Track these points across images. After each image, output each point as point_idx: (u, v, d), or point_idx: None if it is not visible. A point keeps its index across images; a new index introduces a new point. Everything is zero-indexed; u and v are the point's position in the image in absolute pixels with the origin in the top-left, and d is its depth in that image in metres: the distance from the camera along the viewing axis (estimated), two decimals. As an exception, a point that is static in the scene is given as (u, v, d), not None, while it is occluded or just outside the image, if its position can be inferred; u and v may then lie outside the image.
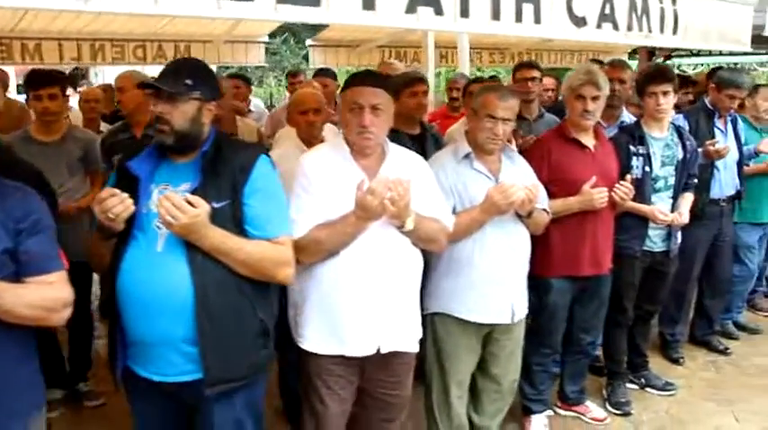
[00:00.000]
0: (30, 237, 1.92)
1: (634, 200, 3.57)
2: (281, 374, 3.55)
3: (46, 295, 1.93)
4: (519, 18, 2.55)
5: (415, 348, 2.64)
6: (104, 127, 4.69)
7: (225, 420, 2.24)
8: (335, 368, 2.51)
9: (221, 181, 2.18)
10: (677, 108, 4.94)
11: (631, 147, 3.61)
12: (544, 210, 3.09)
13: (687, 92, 5.58)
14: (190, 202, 2.01)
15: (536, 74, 4.40)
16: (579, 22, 2.76)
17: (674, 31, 3.22)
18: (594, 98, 3.25)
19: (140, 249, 2.14)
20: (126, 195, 2.06)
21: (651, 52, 11.72)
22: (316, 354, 2.51)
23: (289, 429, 3.53)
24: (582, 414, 3.75)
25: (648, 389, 4.06)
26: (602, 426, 3.70)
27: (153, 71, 6.13)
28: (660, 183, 3.65)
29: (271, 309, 2.34)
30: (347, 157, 2.51)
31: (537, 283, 3.45)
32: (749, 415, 3.79)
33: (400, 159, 2.62)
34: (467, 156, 2.95)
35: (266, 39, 7.61)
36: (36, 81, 3.71)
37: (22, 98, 5.39)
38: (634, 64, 12.58)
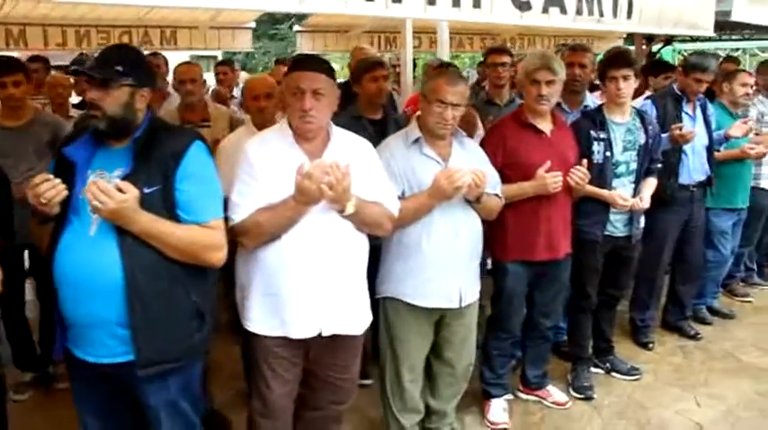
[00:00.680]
0: None
1: (595, 184, 3.59)
2: (245, 357, 3.59)
3: None
4: (456, 3, 2.54)
5: (359, 331, 2.66)
6: (74, 112, 4.72)
7: (159, 402, 2.29)
8: (279, 350, 2.55)
9: (153, 166, 2.21)
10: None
11: (592, 133, 3.60)
12: (496, 195, 3.10)
13: (668, 77, 5.55)
14: (120, 188, 2.05)
15: (506, 59, 4.38)
16: (523, 6, 2.76)
17: (629, 16, 3.20)
18: (549, 82, 3.24)
19: (75, 233, 2.18)
20: (58, 181, 2.10)
21: (649, 38, 11.64)
22: (260, 336, 2.55)
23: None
24: (543, 398, 3.78)
25: (614, 374, 4.07)
26: (563, 410, 3.72)
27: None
28: (622, 168, 3.64)
29: (207, 292, 2.38)
30: (291, 142, 2.54)
31: (493, 268, 3.50)
32: (710, 399, 3.81)
33: (345, 143, 2.64)
34: (416, 140, 2.96)
35: (253, 24, 7.60)
36: (-1, 69, 3.75)
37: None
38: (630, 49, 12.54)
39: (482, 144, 3.37)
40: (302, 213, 2.44)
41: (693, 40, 12.99)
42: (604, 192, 3.59)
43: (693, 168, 4.24)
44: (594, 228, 3.67)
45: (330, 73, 2.57)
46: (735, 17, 4.03)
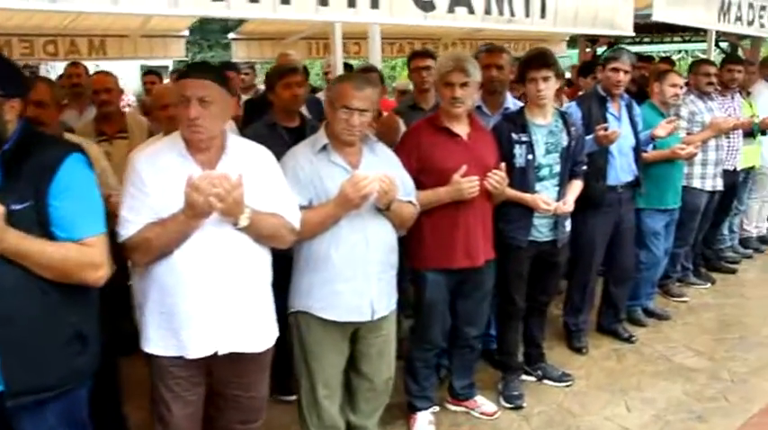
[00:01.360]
0: None
1: (518, 188, 3.51)
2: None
3: None
4: (352, 3, 2.43)
5: (260, 349, 2.53)
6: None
7: (37, 432, 2.13)
8: (177, 370, 2.45)
9: (23, 181, 2.04)
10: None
11: (513, 135, 3.53)
12: (410, 202, 3.00)
13: (595, 77, 5.54)
14: None
15: (430, 63, 4.28)
16: (426, 6, 2.65)
17: (543, 15, 3.12)
18: (463, 85, 3.16)
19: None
20: None
21: (593, 40, 11.74)
22: (157, 357, 2.44)
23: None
24: (471, 409, 3.68)
25: (545, 381, 3.99)
26: (492, 421, 3.62)
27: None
28: (544, 171, 3.57)
29: (90, 313, 2.22)
30: (182, 153, 2.43)
31: (412, 277, 3.40)
32: (641, 403, 3.75)
33: (242, 153, 2.53)
34: (324, 147, 2.84)
35: (186, 33, 7.41)
36: None
37: None
38: (575, 53, 12.65)
39: (397, 150, 3.28)
40: (193, 227, 2.32)
41: (640, 42, 13.18)
42: (527, 196, 3.51)
43: (621, 169, 4.20)
44: (518, 234, 3.59)
45: (220, 80, 2.45)
46: (655, 18, 4.00)
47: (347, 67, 6.44)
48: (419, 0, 2.64)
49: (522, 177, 3.53)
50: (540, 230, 3.62)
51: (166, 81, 6.35)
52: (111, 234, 2.28)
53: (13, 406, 2.03)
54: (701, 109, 4.92)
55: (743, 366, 4.16)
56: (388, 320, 3.01)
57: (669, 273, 5.27)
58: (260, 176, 2.48)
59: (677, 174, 4.67)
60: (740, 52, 9.22)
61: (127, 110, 4.88)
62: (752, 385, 3.92)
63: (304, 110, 3.98)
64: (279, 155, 2.73)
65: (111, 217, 2.33)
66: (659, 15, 3.99)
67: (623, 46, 13.77)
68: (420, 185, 3.17)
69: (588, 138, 4.01)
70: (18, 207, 1.99)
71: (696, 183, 4.95)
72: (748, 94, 5.98)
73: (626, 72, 4.10)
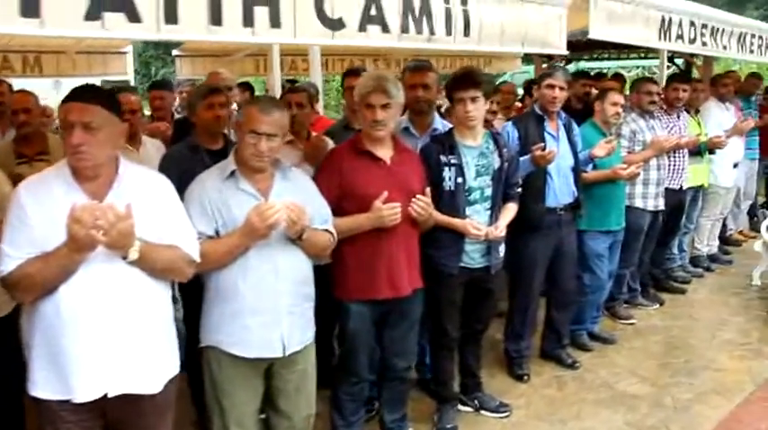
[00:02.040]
0: None
1: (447, 213, 3.38)
2: (193, 387, 3.46)
3: None
4: (249, 22, 2.27)
5: (156, 390, 2.34)
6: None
7: None
8: (66, 414, 2.25)
9: None
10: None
11: (442, 158, 3.39)
12: (326, 230, 2.84)
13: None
14: None
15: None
16: (334, 24, 2.50)
17: (466, 33, 2.99)
18: (384, 106, 3.01)
19: None
20: None
21: (549, 56, 11.75)
22: (45, 400, 2.24)
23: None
24: (402, 443, 3.51)
25: (482, 412, 3.83)
26: (424, 456, 3.46)
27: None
28: (475, 195, 3.43)
29: None
30: (69, 181, 2.24)
31: (335, 308, 3.22)
32: (579, 435, 3.61)
33: (136, 181, 2.35)
34: (232, 174, 2.67)
35: (129, 49, 7.19)
36: None
37: None
38: (530, 68, 12.64)
39: (317, 174, 3.12)
40: (77, 262, 2.14)
41: (594, 58, 13.23)
42: (456, 221, 3.37)
43: (560, 191, 4.07)
44: (449, 260, 3.44)
45: (108, 104, 2.27)
46: (592, 35, 3.91)
47: (292, 83, 6.29)
48: (326, 18, 2.48)
49: (452, 201, 3.39)
50: (472, 257, 3.48)
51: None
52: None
53: None
54: (643, 128, 4.84)
55: (687, 392, 4.04)
56: (304, 355, 2.82)
57: (615, 295, 5.15)
58: (155, 206, 2.32)
59: (620, 194, 4.57)
60: (694, 69, 9.28)
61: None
62: (694, 413, 3.80)
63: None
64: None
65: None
66: (596, 33, 3.89)
67: (581, 61, 13.93)
68: (341, 212, 3.02)
69: (525, 158, 3.89)
70: None
71: (638, 203, 4.86)
72: (697, 112, 5.93)
73: (561, 88, 3.99)
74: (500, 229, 3.43)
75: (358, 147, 3.11)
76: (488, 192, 3.47)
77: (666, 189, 5.23)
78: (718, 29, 5.08)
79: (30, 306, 2.25)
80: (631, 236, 4.83)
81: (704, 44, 4.94)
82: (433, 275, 3.45)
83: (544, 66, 11.37)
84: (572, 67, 13.65)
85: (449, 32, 2.93)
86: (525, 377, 4.24)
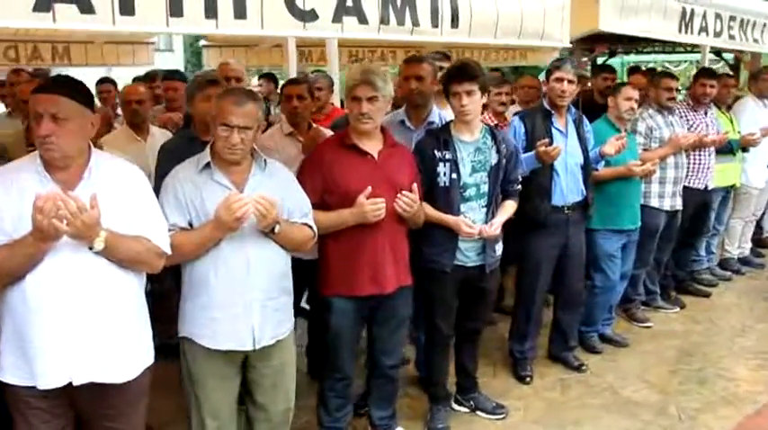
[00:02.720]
0: None
1: (442, 210, 3.30)
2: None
3: None
4: (212, 14, 2.23)
5: (123, 379, 2.34)
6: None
7: None
8: (34, 401, 2.29)
9: None
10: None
11: (437, 153, 3.31)
12: (305, 224, 2.80)
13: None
14: None
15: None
16: (306, 15, 2.45)
17: (454, 25, 2.90)
18: (371, 99, 2.95)
19: None
20: None
21: (591, 50, 11.44)
22: (13, 386, 2.28)
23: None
24: (390, 442, 3.45)
25: (478, 413, 3.75)
26: (412, 456, 3.40)
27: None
28: (471, 191, 3.34)
29: None
30: (40, 171, 2.26)
31: (319, 303, 3.19)
32: (574, 441, 3.50)
33: (109, 172, 2.36)
34: (207, 165, 2.65)
35: (155, 39, 7.28)
36: None
37: None
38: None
39: (301, 168, 3.08)
40: (43, 251, 2.16)
41: (639, 52, 12.83)
42: (449, 218, 3.29)
43: (567, 188, 3.94)
44: (442, 258, 3.36)
45: (78, 95, 2.28)
46: (602, 28, 3.75)
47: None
48: (296, 9, 2.42)
49: (446, 197, 3.32)
50: (467, 255, 3.39)
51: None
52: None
53: None
54: (660, 124, 4.65)
55: (694, 401, 3.87)
56: (280, 349, 2.80)
57: (631, 297, 4.99)
58: (125, 197, 2.33)
59: (634, 192, 4.40)
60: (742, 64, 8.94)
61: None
62: (699, 423, 3.64)
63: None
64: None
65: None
66: (606, 25, 3.75)
67: (630, 54, 13.51)
68: (326, 206, 2.99)
69: (530, 154, 3.78)
70: None
71: (654, 202, 4.68)
72: (729, 108, 5.68)
73: (570, 82, 3.85)
74: (495, 228, 3.33)
75: (345, 140, 3.06)
76: (484, 188, 3.37)
77: (690, 189, 5.05)
78: (748, 21, 4.84)
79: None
80: (646, 236, 4.65)
81: (732, 37, 4.72)
82: (427, 272, 3.39)
83: (584, 59, 11.14)
84: (617, 61, 13.33)
85: (435, 24, 2.84)
86: (528, 378, 4.13)
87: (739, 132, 5.52)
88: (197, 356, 2.71)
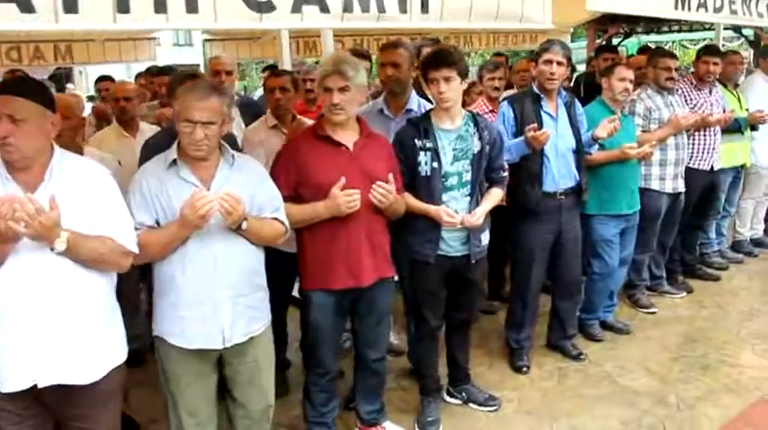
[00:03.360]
0: None
1: (424, 199, 3.24)
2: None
3: None
4: (162, 8, 2.19)
5: (89, 381, 2.33)
6: None
7: None
8: (1, 403, 2.28)
9: None
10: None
11: (417, 141, 3.24)
12: (276, 219, 2.76)
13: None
14: None
15: (365, 64, 4.02)
16: (262, 6, 2.39)
17: (425, 10, 2.82)
18: (343, 89, 2.89)
19: None
20: None
21: (604, 30, 11.22)
22: None
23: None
24: (379, 435, 3.41)
25: (471, 405, 3.69)
26: (399, 449, 3.36)
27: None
28: (453, 180, 3.27)
29: None
30: (2, 173, 2.27)
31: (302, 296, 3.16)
32: (566, 432, 3.43)
33: (73, 172, 2.35)
34: (174, 162, 2.62)
35: (157, 35, 7.29)
36: None
37: None
38: (583, 44, 12.09)
39: (275, 161, 3.04)
40: (3, 253, 2.16)
41: (656, 32, 12.53)
42: (430, 208, 3.23)
43: (559, 174, 3.84)
44: (426, 248, 3.31)
45: (35, 96, 2.27)
46: (589, 6, 3.63)
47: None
48: (252, 1, 2.37)
49: (428, 187, 3.25)
50: (451, 244, 3.33)
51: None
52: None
53: None
54: (660, 105, 4.52)
55: (694, 389, 3.77)
56: (254, 345, 2.77)
57: (636, 282, 4.88)
58: (89, 197, 2.32)
59: (631, 175, 4.27)
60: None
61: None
62: (696, 413, 3.53)
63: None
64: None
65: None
66: (594, 4, 3.63)
67: (650, 34, 13.18)
68: (300, 199, 2.95)
69: (519, 140, 3.70)
70: None
71: (654, 185, 4.56)
72: (736, 86, 5.50)
73: (560, 64, 3.74)
74: (477, 217, 3.25)
75: (318, 132, 3.01)
76: (467, 177, 3.30)
77: (695, 170, 4.93)
78: (751, -6, 4.66)
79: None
80: (648, 219, 4.53)
81: (734, 12, 4.54)
82: (411, 263, 3.35)
83: (597, 41, 10.93)
84: (633, 42, 13.07)
85: (403, 10, 2.77)
86: (525, 369, 4.06)
87: (747, 110, 5.35)
88: (170, 354, 2.69)
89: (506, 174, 3.52)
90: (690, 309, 4.91)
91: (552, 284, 4.23)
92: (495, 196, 3.43)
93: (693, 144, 4.90)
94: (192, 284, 2.58)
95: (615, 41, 11.75)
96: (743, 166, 5.57)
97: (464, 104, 4.90)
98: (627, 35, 11.85)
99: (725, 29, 8.37)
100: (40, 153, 2.29)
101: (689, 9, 4.22)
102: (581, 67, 9.43)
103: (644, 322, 4.70)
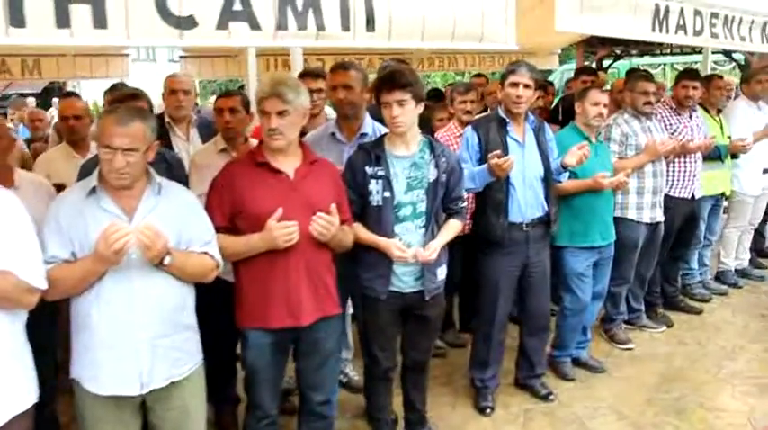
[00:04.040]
0: None
1: (375, 231, 3.03)
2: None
3: None
4: (63, 23, 1.99)
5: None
6: None
7: None
8: None
9: None
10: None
11: (368, 169, 3.04)
12: (206, 253, 2.54)
13: (539, 97, 4.99)
14: None
15: (321, 84, 3.82)
16: (182, 23, 2.19)
17: (370, 28, 2.61)
18: (281, 113, 2.68)
19: None
20: None
21: (592, 52, 11.05)
22: None
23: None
24: (324, 484, 3.16)
25: (427, 451, 3.45)
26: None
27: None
28: (406, 211, 3.06)
29: None
30: None
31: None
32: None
33: None
34: (94, 190, 2.41)
35: (130, 51, 7.11)
36: None
37: None
38: (572, 66, 11.90)
39: (209, 190, 2.82)
40: None
41: (649, 54, 12.36)
42: (379, 241, 3.01)
43: (526, 204, 3.62)
44: (376, 284, 3.09)
45: None
46: (559, 27, 3.43)
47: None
48: (170, 16, 2.16)
49: (379, 218, 3.05)
50: (403, 280, 3.11)
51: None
52: None
53: None
54: (637, 130, 4.31)
55: (668, 435, 3.53)
56: (181, 389, 2.54)
57: (613, 316, 4.65)
58: None
59: (604, 205, 4.05)
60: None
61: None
62: (668, 462, 3.30)
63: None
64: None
65: None
66: (562, 24, 3.41)
67: (644, 56, 12.99)
68: (236, 231, 2.73)
69: (482, 167, 3.49)
70: None
71: (631, 214, 4.34)
72: (718, 111, 5.31)
73: (526, 86, 3.54)
74: (431, 251, 3.02)
75: (256, 158, 2.79)
76: (422, 207, 3.08)
77: (676, 198, 4.72)
78: (733, 18, 4.45)
79: None
80: (624, 250, 4.32)
81: (715, 36, 4.33)
82: (362, 299, 3.14)
83: (586, 63, 10.76)
84: (624, 64, 12.90)
85: (346, 27, 2.55)
86: (488, 410, 3.81)
87: (729, 137, 5.15)
88: (85, 400, 2.47)
89: (465, 204, 3.30)
90: (669, 344, 4.67)
91: (521, 320, 3.99)
92: (453, 228, 3.21)
93: (674, 171, 4.69)
94: (107, 324, 2.37)
95: (606, 63, 11.58)
96: (722, 195, 5.36)
97: (436, 129, 4.80)
98: (617, 57, 11.68)
99: (714, 52, 8.21)
100: None
101: (667, 31, 4.00)
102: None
103: (620, 359, 4.46)
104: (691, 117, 4.85)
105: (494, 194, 3.59)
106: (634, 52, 11.75)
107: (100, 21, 2.06)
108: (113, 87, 5.78)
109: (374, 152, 3.06)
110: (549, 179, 3.70)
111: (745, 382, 4.08)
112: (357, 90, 3.23)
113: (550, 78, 10.96)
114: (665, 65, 14.32)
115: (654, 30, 3.95)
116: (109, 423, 2.48)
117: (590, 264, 4.08)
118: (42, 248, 2.33)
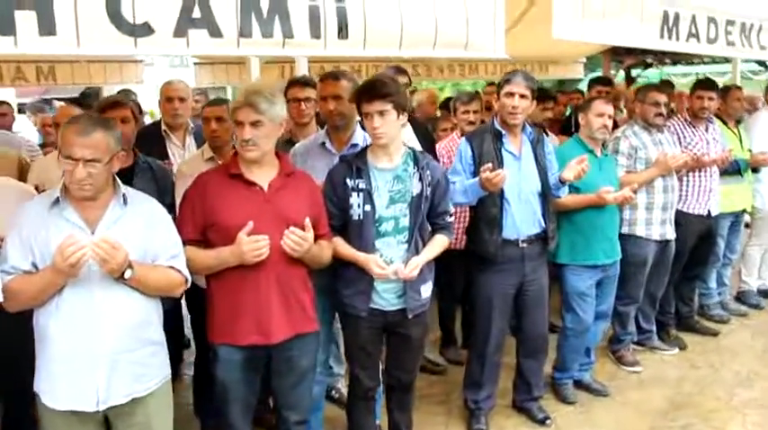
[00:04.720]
0: None
1: (356, 246, 2.93)
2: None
3: None
4: (8, 30, 1.93)
5: None
6: None
7: None
8: None
9: None
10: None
11: (348, 182, 2.93)
12: (172, 267, 2.46)
13: (546, 108, 4.85)
14: None
15: (310, 93, 3.74)
16: (137, 30, 2.11)
17: (342, 35, 2.51)
18: (255, 124, 2.60)
19: None
20: None
21: (620, 60, 10.77)
22: None
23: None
24: None
25: (412, 474, 3.31)
26: None
27: (7, 94, 5.77)
28: (387, 226, 2.94)
29: None
30: None
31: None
32: None
33: None
34: (57, 201, 2.35)
35: (144, 57, 7.13)
36: None
37: None
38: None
39: (181, 201, 2.75)
40: None
41: (683, 62, 11.97)
42: (359, 256, 2.91)
43: (521, 220, 3.47)
44: (356, 301, 2.99)
45: None
46: (556, 35, 3.28)
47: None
48: (123, 23, 2.09)
49: (360, 232, 2.94)
50: (385, 297, 3.00)
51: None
52: None
53: None
54: (646, 143, 4.12)
55: (669, 468, 3.34)
56: (145, 405, 2.46)
57: (620, 336, 4.45)
58: None
59: (608, 221, 3.87)
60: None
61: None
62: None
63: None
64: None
65: None
66: (560, 32, 3.26)
67: (677, 65, 12.64)
68: (209, 244, 2.66)
69: (474, 181, 3.35)
70: None
71: (640, 231, 4.14)
72: (737, 123, 5.07)
73: (523, 97, 3.40)
74: (412, 268, 2.90)
75: (230, 169, 2.71)
76: (404, 222, 2.96)
77: (690, 215, 4.51)
78: (751, 26, 4.26)
79: None
80: (632, 268, 4.13)
81: (731, 44, 4.15)
82: (342, 316, 3.03)
83: (612, 72, 10.48)
84: (655, 73, 12.56)
85: (316, 35, 2.46)
86: (481, 434, 3.66)
87: (750, 150, 4.91)
88: (44, 414, 2.41)
89: (452, 219, 3.17)
90: (679, 368, 4.45)
91: (518, 340, 3.84)
92: (438, 244, 3.09)
93: (687, 186, 4.49)
94: (65, 337, 2.31)
95: (635, 73, 11.29)
96: (743, 211, 5.12)
97: (439, 139, 4.68)
98: (647, 66, 11.36)
99: (744, 61, 7.91)
100: None
101: (677, 39, 3.84)
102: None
103: (625, 382, 4.26)
104: (707, 129, 4.64)
105: (487, 209, 3.46)
106: (667, 61, 11.43)
107: (47, 28, 2.01)
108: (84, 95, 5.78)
109: (355, 164, 2.95)
110: (546, 194, 3.55)
111: (757, 412, 3.85)
112: (347, 100, 3.13)
113: (579, 87, 10.71)
114: (696, 74, 13.89)
115: (663, 37, 3.79)
116: (67, 436, 2.42)
117: (593, 282, 3.90)
118: (3, 259, 2.30)
